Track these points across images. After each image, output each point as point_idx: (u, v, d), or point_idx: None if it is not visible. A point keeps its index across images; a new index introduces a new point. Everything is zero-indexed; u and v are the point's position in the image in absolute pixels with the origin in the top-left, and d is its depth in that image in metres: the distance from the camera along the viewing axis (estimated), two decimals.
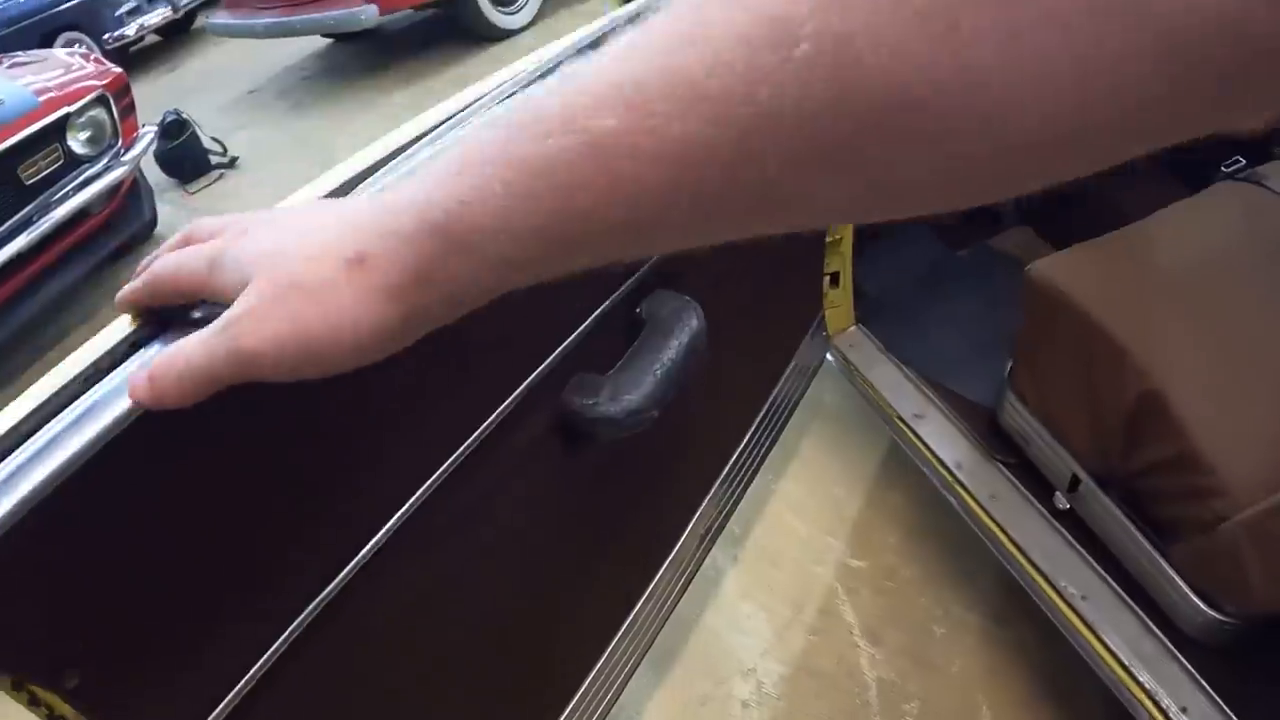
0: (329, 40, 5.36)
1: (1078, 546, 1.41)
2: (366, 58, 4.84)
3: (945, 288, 2.01)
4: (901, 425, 1.66)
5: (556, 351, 0.77)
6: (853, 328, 1.78)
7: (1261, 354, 1.31)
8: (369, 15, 4.37)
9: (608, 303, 0.83)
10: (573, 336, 0.79)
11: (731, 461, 1.28)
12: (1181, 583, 1.26)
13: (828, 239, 1.59)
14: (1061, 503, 1.46)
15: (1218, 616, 1.22)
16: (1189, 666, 1.24)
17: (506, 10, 4.85)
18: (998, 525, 1.47)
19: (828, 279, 1.66)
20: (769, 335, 1.46)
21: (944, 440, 1.62)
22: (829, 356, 1.75)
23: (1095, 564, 1.38)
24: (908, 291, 1.97)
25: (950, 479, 1.56)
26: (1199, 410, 1.22)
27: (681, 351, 0.80)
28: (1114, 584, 1.36)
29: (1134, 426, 1.31)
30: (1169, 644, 1.27)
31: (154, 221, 3.58)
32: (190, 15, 6.60)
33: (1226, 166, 1.81)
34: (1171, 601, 1.28)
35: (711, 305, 0.87)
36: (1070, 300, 1.38)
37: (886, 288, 1.93)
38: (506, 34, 4.85)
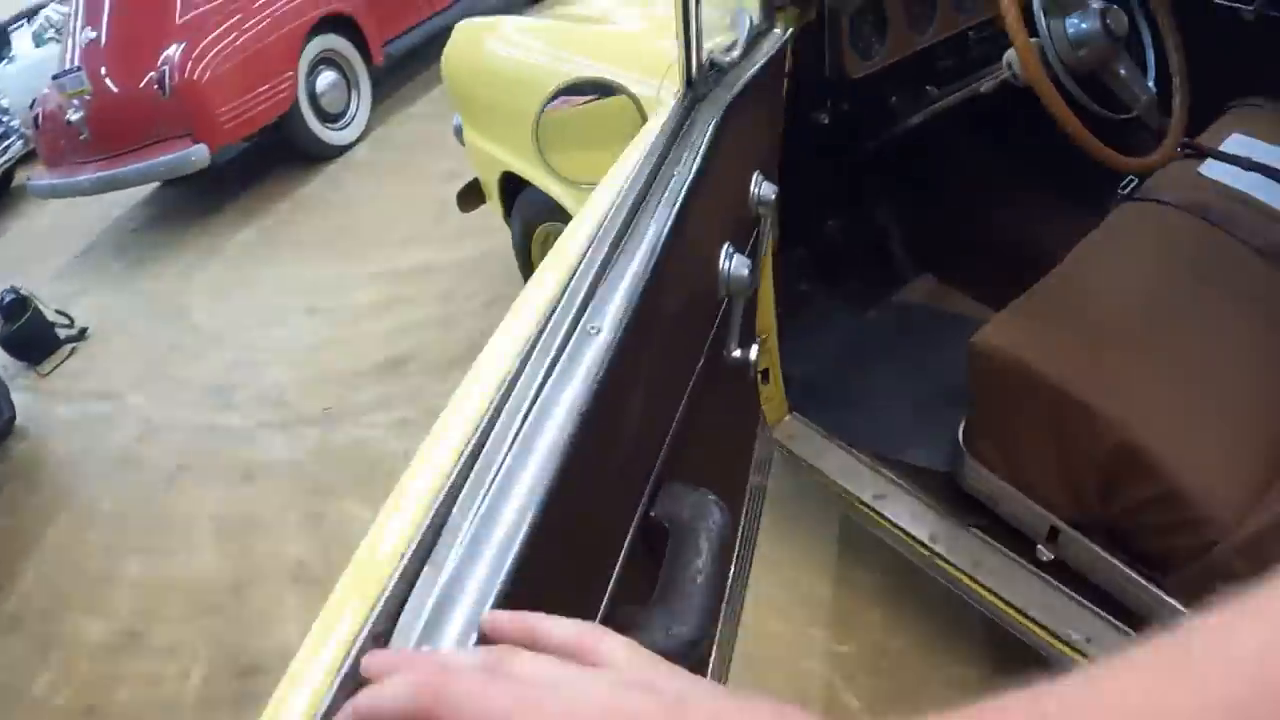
0: (156, 183, 5.23)
1: (1072, 594, 1.40)
2: (199, 197, 4.76)
3: (866, 355, 2.01)
4: (864, 509, 1.64)
5: (592, 588, 0.73)
6: (788, 417, 1.78)
7: (1213, 374, 1.35)
8: (200, 156, 4.32)
9: (634, 525, 0.80)
10: (614, 571, 0.75)
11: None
12: (1181, 607, 1.27)
13: (758, 338, 1.61)
14: (1045, 554, 1.45)
15: None
16: None
17: (335, 127, 4.86)
18: (987, 590, 1.47)
19: (759, 376, 1.69)
20: (730, 451, 1.47)
21: (912, 517, 1.60)
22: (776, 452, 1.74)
23: (1093, 607, 1.38)
24: (831, 368, 1.97)
25: (928, 554, 1.55)
26: (1173, 448, 1.23)
27: (713, 557, 0.76)
28: (1116, 621, 1.35)
29: (1110, 475, 1.30)
30: None
31: (12, 417, 3.44)
32: (8, 174, 6.32)
33: (1122, 189, 1.88)
34: (1175, 625, 1.30)
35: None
36: (1022, 367, 1.37)
37: (810, 369, 1.92)
38: (339, 150, 4.85)
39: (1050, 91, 1.42)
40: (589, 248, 0.82)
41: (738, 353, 1.17)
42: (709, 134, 1.06)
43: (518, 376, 0.68)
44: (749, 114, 1.28)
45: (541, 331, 0.72)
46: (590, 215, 0.90)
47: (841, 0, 1.69)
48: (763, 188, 1.26)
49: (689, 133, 1.07)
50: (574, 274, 0.79)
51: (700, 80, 1.17)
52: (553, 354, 0.69)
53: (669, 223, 0.87)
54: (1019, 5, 1.41)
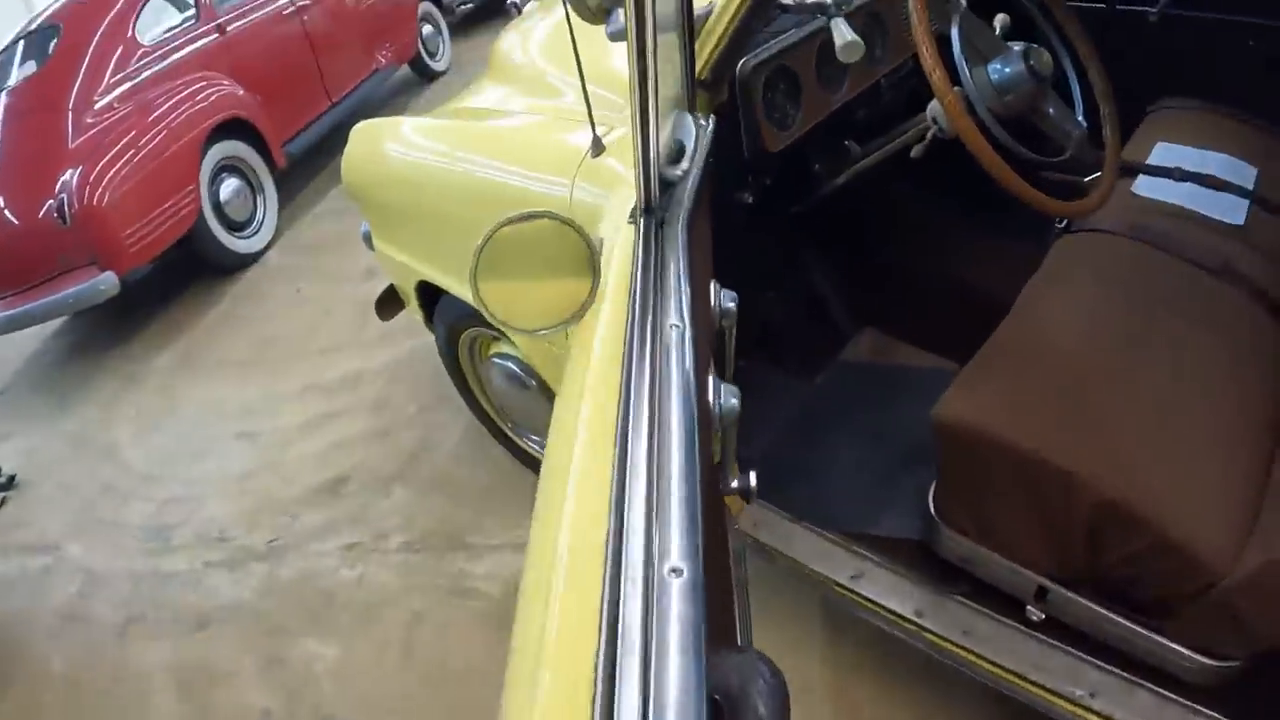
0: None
1: (1070, 650, 1.38)
2: (114, 321, 4.70)
3: (820, 426, 1.96)
4: (842, 591, 1.59)
5: None
6: (751, 505, 1.74)
7: (1183, 407, 1.32)
8: (109, 284, 4.25)
9: None
10: None
11: None
12: (1183, 648, 1.26)
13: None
14: (1035, 614, 1.42)
15: (1223, 665, 1.23)
16: (1210, 712, 1.24)
17: (244, 235, 4.85)
18: (981, 657, 1.44)
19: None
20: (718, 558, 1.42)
21: (894, 593, 1.55)
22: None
23: (1093, 660, 1.36)
24: (786, 445, 1.91)
25: (914, 628, 1.51)
26: (1156, 497, 1.22)
27: None
28: (1119, 672, 1.33)
29: (1094, 532, 1.28)
30: (1187, 702, 1.26)
31: None
32: None
33: (1059, 221, 1.84)
34: (1177, 666, 1.26)
35: None
36: (989, 436, 1.34)
37: (766, 450, 1.89)
38: (251, 258, 4.83)
39: (982, 145, 1.39)
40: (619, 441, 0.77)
41: (736, 483, 1.18)
42: (681, 262, 1.02)
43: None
44: (700, 222, 1.23)
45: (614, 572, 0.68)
46: (587, 389, 0.89)
47: (751, 73, 1.66)
48: (723, 297, 1.21)
49: (662, 268, 1.02)
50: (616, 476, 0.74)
51: (660, 205, 1.14)
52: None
53: (676, 395, 0.81)
54: (939, 57, 1.39)
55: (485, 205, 2.00)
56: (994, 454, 1.34)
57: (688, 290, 0.96)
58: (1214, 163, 1.86)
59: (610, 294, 1.06)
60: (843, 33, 1.49)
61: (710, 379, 1.01)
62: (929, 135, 1.63)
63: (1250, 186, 1.82)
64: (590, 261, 1.13)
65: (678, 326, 0.89)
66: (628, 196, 1.27)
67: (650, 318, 0.92)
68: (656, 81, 0.98)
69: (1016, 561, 1.41)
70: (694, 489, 0.72)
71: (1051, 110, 1.54)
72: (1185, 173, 1.78)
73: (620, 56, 1.29)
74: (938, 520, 1.50)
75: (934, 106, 1.54)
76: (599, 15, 1.36)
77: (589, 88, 1.36)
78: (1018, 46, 1.50)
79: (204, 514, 3.17)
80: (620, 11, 1.31)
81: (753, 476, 1.17)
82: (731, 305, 1.21)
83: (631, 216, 1.16)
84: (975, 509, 1.45)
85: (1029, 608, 1.42)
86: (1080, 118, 1.61)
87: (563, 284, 1.13)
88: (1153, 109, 2.09)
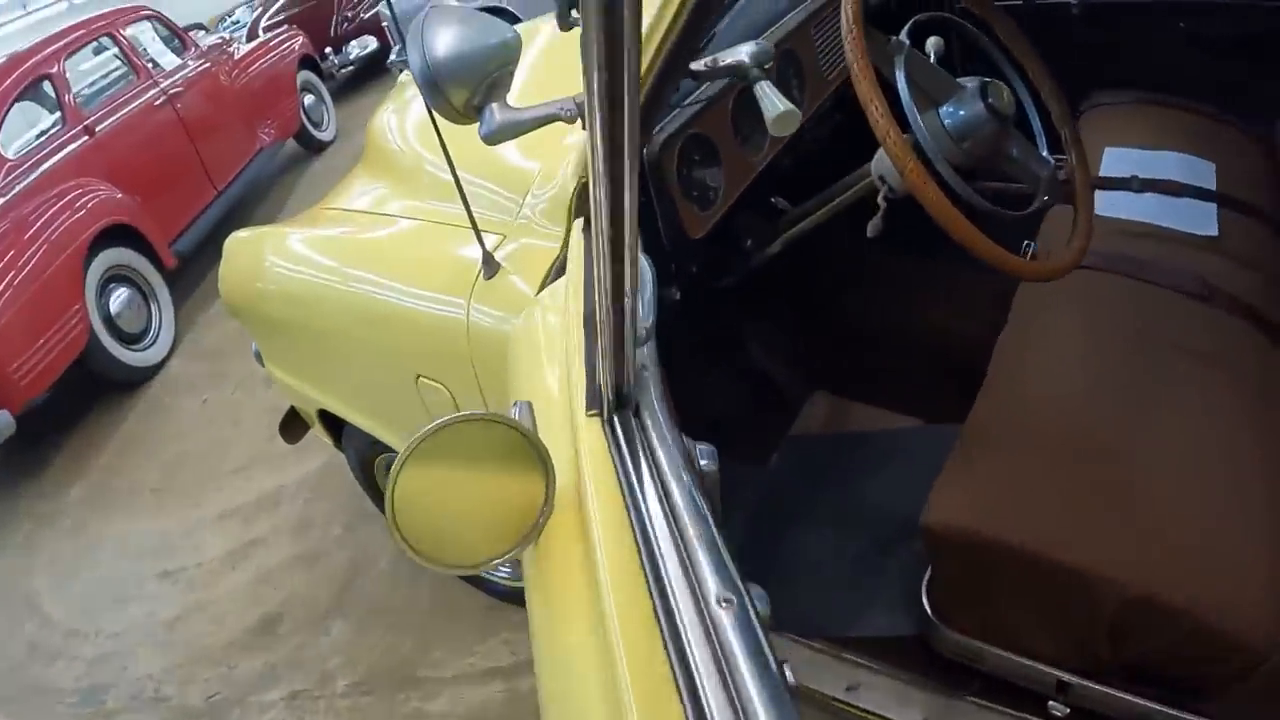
0: None
1: None
2: (18, 455, 4.50)
3: (783, 518, 1.80)
4: (840, 704, 1.43)
5: None
6: None
7: (1195, 467, 1.20)
8: (4, 424, 4.04)
9: None
10: None
11: None
12: None
13: None
14: (1059, 710, 1.28)
15: None
16: None
17: (141, 346, 4.70)
18: None
19: None
20: None
21: (897, 701, 1.39)
22: None
23: None
24: (750, 547, 1.76)
25: None
26: (1188, 587, 1.11)
27: None
28: None
29: (1121, 629, 1.17)
30: None
31: None
32: None
33: (1025, 252, 1.64)
34: None
35: None
36: (989, 541, 1.21)
37: None
38: (152, 370, 4.69)
39: (954, 216, 1.21)
40: None
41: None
42: (659, 454, 0.91)
43: None
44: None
45: None
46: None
47: (661, 150, 1.46)
48: (699, 454, 0.99)
49: (636, 466, 0.91)
50: None
51: (624, 397, 0.97)
52: None
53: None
54: (890, 114, 1.21)
55: (375, 329, 1.87)
56: (995, 557, 1.21)
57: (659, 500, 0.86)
58: (1170, 164, 1.75)
59: (573, 500, 0.92)
60: (773, 103, 1.20)
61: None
62: (881, 198, 1.41)
63: (1211, 186, 1.73)
64: (542, 472, 0.92)
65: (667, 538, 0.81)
66: (547, 338, 1.18)
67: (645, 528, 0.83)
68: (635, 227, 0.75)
69: (1031, 658, 1.27)
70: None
71: (1015, 151, 1.35)
72: (1143, 181, 1.67)
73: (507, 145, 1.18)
74: (936, 621, 1.36)
75: (881, 164, 1.35)
76: (468, 115, 1.18)
77: (476, 183, 1.23)
78: (970, 83, 1.31)
79: (136, 670, 3.05)
80: (494, 109, 1.15)
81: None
82: (713, 467, 1.01)
83: (593, 409, 0.99)
84: (978, 611, 1.32)
85: (1051, 703, 1.28)
86: (1045, 153, 1.41)
87: (504, 496, 0.94)
88: (1085, 106, 1.99)
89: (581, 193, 1.42)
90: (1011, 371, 1.40)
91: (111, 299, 4.65)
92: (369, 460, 2.54)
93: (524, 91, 1.43)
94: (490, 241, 1.57)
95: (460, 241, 1.70)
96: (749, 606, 0.71)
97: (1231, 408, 1.34)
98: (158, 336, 4.79)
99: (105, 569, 3.61)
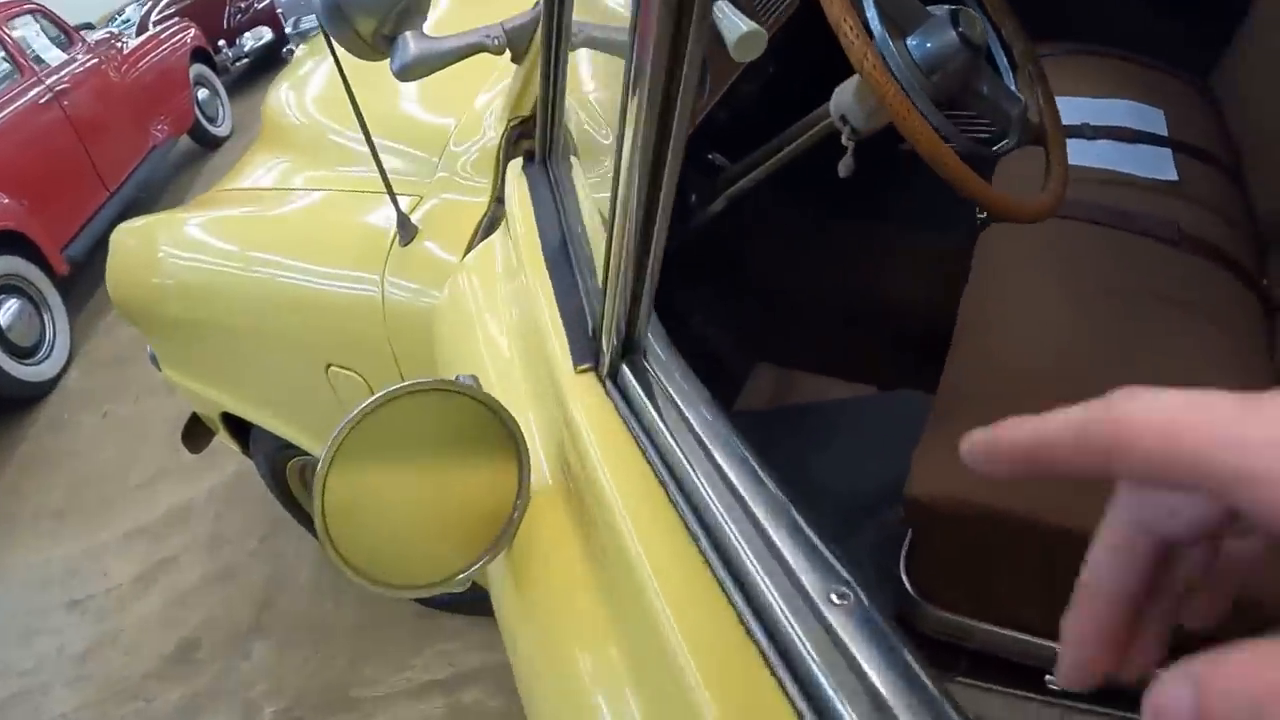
0: None
1: (1110, 711, 1.18)
2: None
3: None
4: None
5: None
6: None
7: None
8: None
9: None
10: None
11: None
12: None
13: None
14: (1057, 683, 1.19)
15: None
16: None
17: (35, 360, 4.38)
18: None
19: None
20: None
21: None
22: None
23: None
24: None
25: None
26: None
27: None
28: None
29: None
30: None
31: None
32: None
33: (980, 211, 1.61)
34: None
35: None
36: (976, 508, 1.14)
37: None
38: (49, 385, 4.38)
39: (934, 141, 1.08)
40: None
41: None
42: (680, 404, 0.81)
43: None
44: None
45: None
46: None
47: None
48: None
49: (667, 424, 0.80)
50: None
51: (634, 341, 0.86)
52: None
53: None
54: (866, 36, 1.07)
55: (279, 316, 1.71)
56: (987, 525, 1.15)
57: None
58: (1121, 111, 1.71)
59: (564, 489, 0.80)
60: (734, 23, 1.02)
61: None
62: (845, 140, 1.26)
63: (1164, 132, 1.69)
64: (512, 453, 0.78)
65: None
66: (484, 303, 1.07)
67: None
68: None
69: (1026, 632, 1.20)
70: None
71: (985, 88, 1.24)
72: (1096, 129, 1.62)
73: (413, 96, 1.03)
74: (921, 600, 1.27)
75: (844, 102, 1.22)
76: (377, 49, 1.07)
77: (384, 145, 1.11)
78: (940, 11, 1.19)
79: (51, 710, 2.80)
80: (408, 38, 1.03)
81: None
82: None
83: (584, 363, 0.87)
84: (967, 585, 1.25)
85: (1049, 677, 1.20)
86: (1013, 86, 1.31)
87: (464, 490, 0.79)
88: None
89: (513, 136, 1.31)
90: (983, 329, 1.33)
91: (1, 311, 4.32)
92: (280, 465, 2.35)
93: (442, 21, 1.32)
94: (405, 204, 1.45)
95: (370, 208, 1.58)
96: (865, 601, 0.54)
97: (1215, 351, 1.29)
98: (53, 348, 4.47)
99: (10, 601, 3.34)
